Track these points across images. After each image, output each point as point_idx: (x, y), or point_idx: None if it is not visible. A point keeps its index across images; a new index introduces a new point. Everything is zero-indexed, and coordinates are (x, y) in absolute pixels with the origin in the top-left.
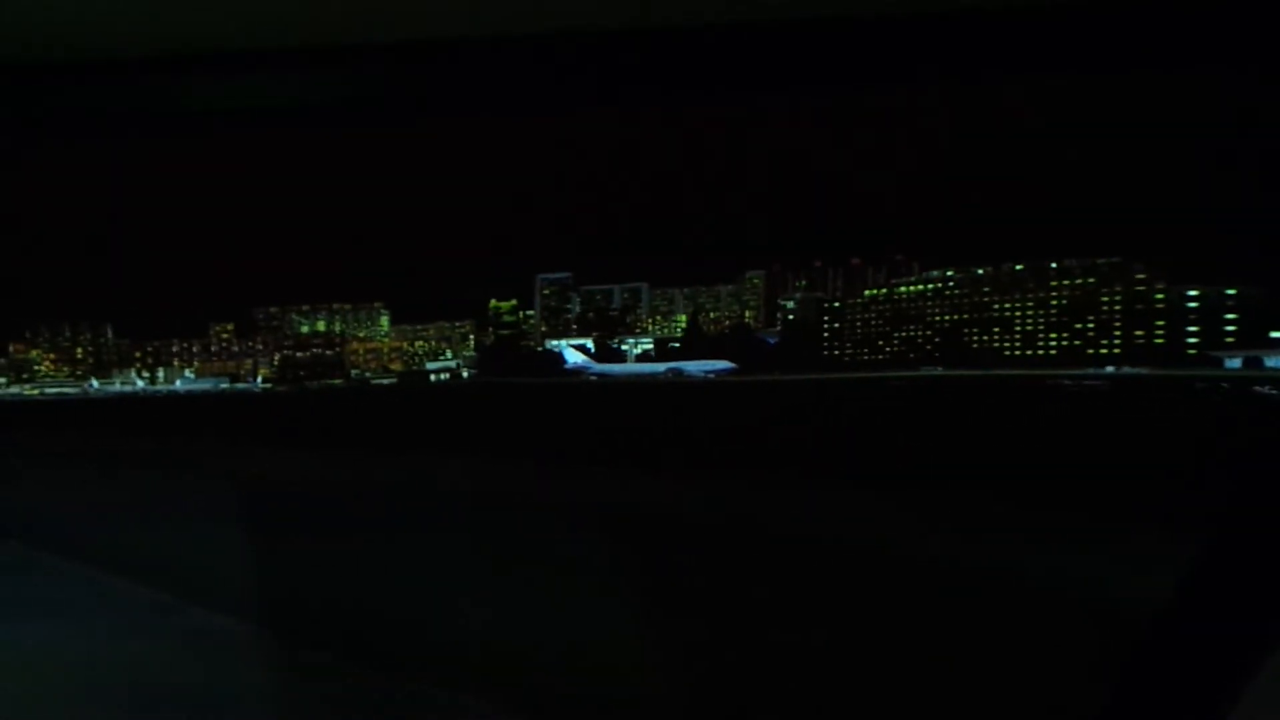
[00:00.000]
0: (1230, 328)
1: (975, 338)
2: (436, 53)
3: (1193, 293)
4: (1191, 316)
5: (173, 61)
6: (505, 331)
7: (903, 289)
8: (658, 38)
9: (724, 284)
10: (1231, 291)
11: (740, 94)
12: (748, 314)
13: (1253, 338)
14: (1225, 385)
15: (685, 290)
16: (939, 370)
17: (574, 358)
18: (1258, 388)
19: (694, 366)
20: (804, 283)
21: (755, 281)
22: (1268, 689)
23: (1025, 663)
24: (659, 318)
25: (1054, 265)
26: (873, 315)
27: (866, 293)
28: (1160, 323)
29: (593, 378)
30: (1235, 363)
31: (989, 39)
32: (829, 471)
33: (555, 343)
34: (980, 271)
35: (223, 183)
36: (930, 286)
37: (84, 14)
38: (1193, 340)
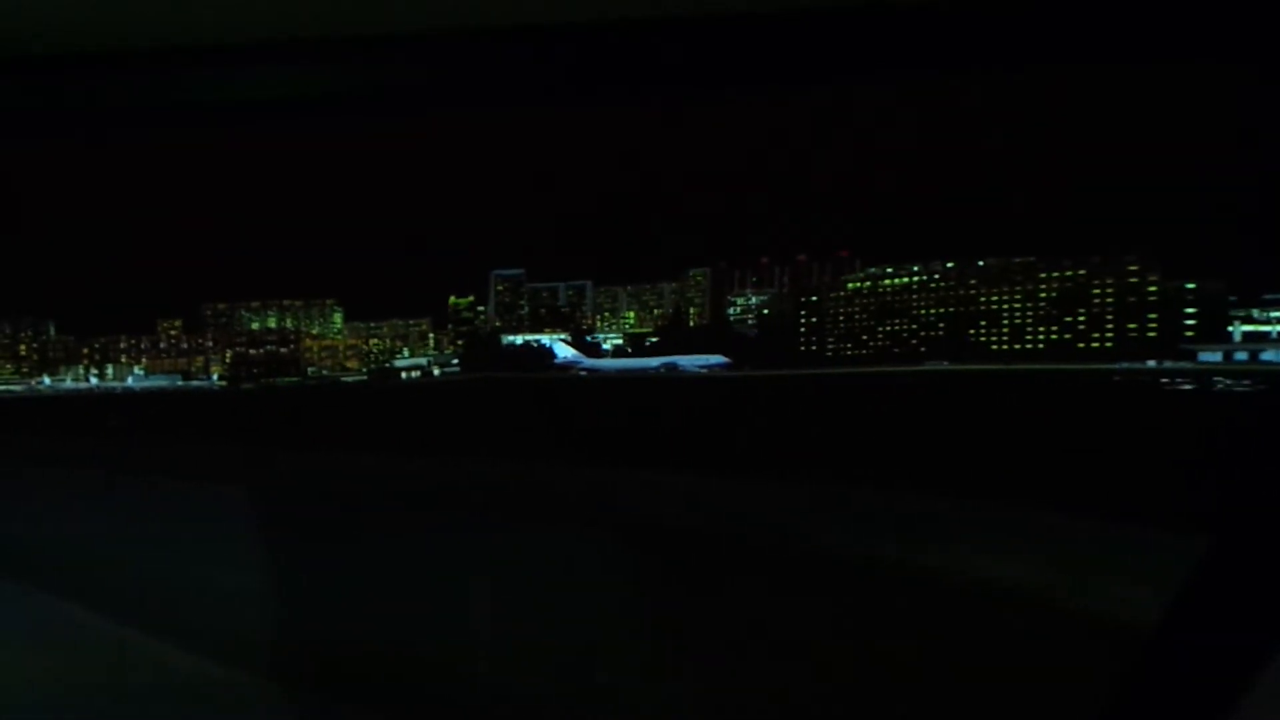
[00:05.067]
0: (1190, 321)
1: (966, 332)
2: (394, 47)
3: (1152, 288)
4: (1155, 310)
5: (118, 56)
6: (464, 328)
7: (887, 282)
8: (625, 31)
9: (666, 281)
10: (1191, 285)
11: (703, 90)
12: (693, 311)
13: (1212, 331)
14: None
15: (628, 288)
16: (945, 364)
17: (564, 353)
18: None
19: (688, 361)
20: (755, 279)
21: (699, 279)
22: (1267, 696)
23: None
24: (607, 314)
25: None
26: (856, 309)
27: (850, 285)
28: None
29: (583, 374)
30: (1215, 355)
31: (962, 31)
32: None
33: (541, 337)
34: (981, 264)
35: (166, 178)
36: (916, 279)
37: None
38: (1151, 333)
